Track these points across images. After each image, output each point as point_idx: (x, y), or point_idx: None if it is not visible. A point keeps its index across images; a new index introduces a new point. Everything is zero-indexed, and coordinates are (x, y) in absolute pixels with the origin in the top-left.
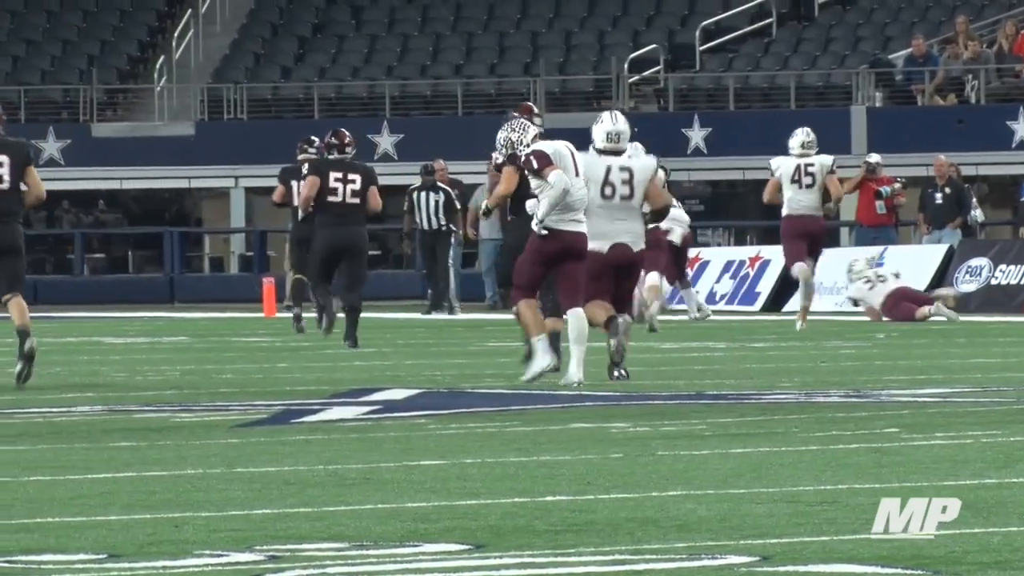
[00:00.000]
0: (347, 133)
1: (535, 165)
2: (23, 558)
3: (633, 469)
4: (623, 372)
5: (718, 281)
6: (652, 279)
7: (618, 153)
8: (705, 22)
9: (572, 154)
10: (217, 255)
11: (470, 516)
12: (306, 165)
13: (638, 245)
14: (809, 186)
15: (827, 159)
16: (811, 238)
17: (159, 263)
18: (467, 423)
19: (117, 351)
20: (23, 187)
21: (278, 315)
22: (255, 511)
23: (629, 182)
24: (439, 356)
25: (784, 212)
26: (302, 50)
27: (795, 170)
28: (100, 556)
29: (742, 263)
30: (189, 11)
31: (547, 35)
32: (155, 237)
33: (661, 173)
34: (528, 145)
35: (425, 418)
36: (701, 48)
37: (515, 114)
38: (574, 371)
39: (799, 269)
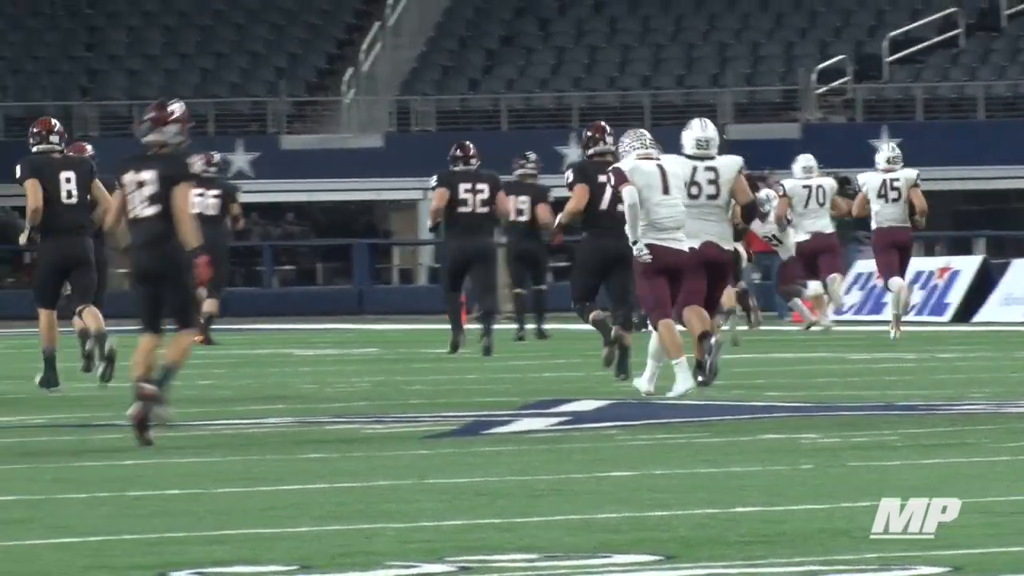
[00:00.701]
0: (471, 145)
1: (613, 182)
2: (214, 570)
3: (823, 480)
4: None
5: None
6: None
7: (707, 159)
8: (892, 33)
9: (663, 172)
10: (406, 267)
11: (660, 527)
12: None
13: (727, 244)
14: (895, 200)
15: (911, 173)
16: (900, 249)
17: (348, 275)
18: (657, 434)
19: (307, 363)
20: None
21: (467, 327)
22: (446, 522)
23: (715, 181)
24: None
25: (873, 225)
26: (490, 62)
27: (881, 184)
28: (292, 567)
29: (931, 274)
30: (377, 24)
31: (734, 46)
32: (344, 249)
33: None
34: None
35: (615, 429)
36: (888, 59)
37: (589, 134)
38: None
39: (896, 284)
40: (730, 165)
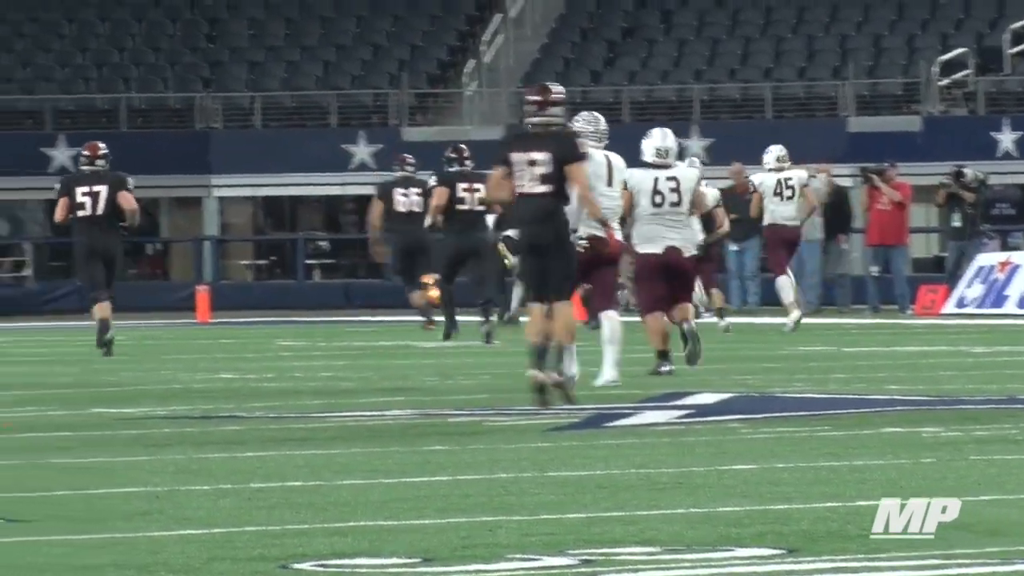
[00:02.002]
0: (464, 147)
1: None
2: (336, 561)
3: (945, 474)
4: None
5: None
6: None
7: (666, 167)
8: (1014, 25)
9: (610, 163)
10: None
11: (782, 521)
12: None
13: (689, 251)
14: (789, 198)
15: (803, 173)
16: (790, 245)
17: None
18: (778, 427)
19: (429, 355)
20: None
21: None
22: (568, 515)
23: (677, 190)
24: (749, 360)
25: (766, 222)
26: (612, 54)
27: (776, 184)
28: (414, 560)
29: None
30: (499, 15)
31: (856, 38)
32: None
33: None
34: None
35: (736, 422)
36: (1010, 51)
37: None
38: (609, 372)
39: (784, 282)
40: (689, 176)
